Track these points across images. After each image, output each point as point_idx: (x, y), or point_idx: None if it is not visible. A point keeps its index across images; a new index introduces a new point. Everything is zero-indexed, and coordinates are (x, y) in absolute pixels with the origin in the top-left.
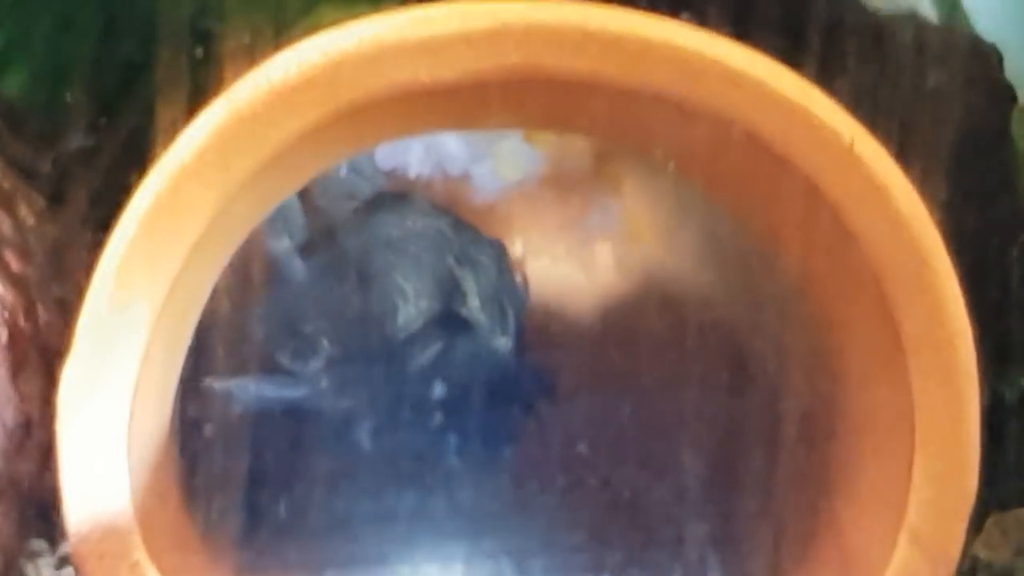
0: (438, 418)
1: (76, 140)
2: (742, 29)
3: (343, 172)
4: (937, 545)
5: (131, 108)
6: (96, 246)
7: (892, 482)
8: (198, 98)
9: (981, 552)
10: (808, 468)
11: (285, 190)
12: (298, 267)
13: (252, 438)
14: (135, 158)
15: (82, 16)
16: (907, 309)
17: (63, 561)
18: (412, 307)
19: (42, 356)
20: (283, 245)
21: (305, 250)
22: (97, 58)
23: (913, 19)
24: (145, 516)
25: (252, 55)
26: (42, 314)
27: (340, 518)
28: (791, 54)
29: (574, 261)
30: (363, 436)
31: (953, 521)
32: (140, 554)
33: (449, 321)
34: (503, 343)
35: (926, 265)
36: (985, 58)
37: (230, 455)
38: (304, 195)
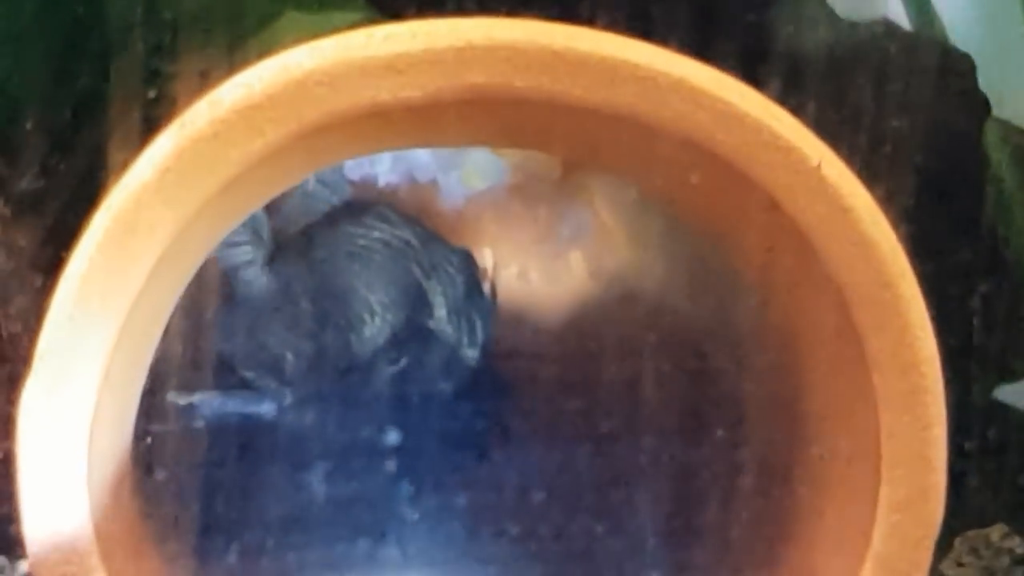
0: (399, 438)
1: (27, 181)
2: (707, 41)
3: (310, 183)
4: (903, 571)
5: (83, 149)
6: (45, 285)
7: (859, 508)
8: (150, 139)
9: (949, 571)
10: (775, 498)
11: (248, 208)
12: (263, 280)
13: (213, 454)
14: (86, 200)
15: (35, 56)
16: (873, 332)
17: None
18: (379, 320)
19: (5, 372)
20: (249, 258)
21: (271, 261)
22: (49, 98)
23: (884, 27)
24: (104, 535)
25: (204, 94)
26: (5, 327)
27: (299, 538)
28: (757, 63)
29: (544, 270)
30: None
31: (919, 547)
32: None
33: (415, 332)
34: (470, 354)
35: (892, 289)
36: (958, 67)
37: (190, 472)
38: (271, 206)
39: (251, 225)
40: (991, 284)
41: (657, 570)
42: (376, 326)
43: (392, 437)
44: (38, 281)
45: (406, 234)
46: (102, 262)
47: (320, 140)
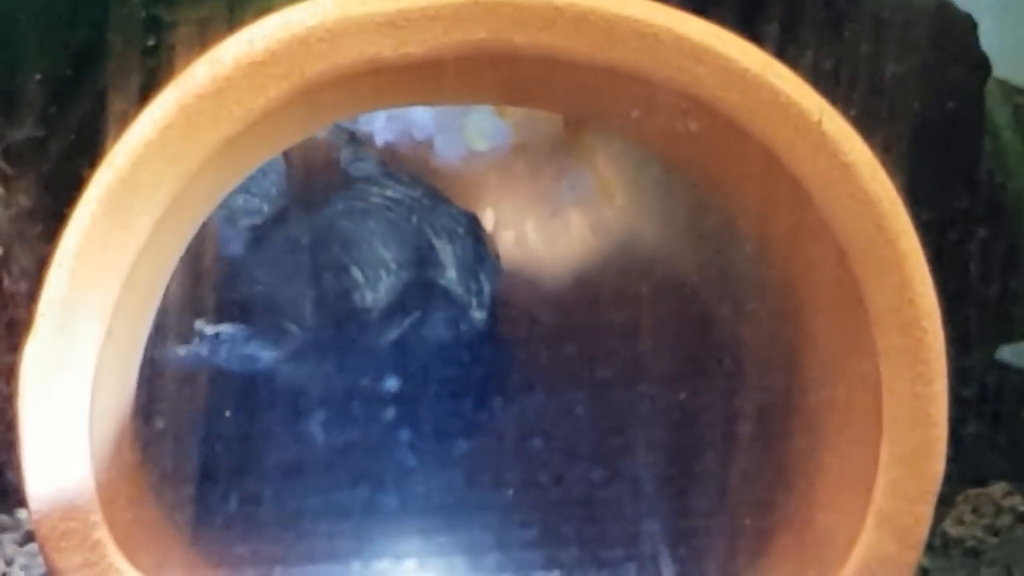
0: (405, 391)
1: (26, 130)
2: None
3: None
4: (904, 526)
5: (82, 97)
6: (45, 237)
7: (859, 463)
8: (150, 87)
9: (952, 530)
10: (774, 448)
11: (251, 164)
12: (271, 232)
13: (214, 403)
14: (86, 148)
15: (34, 4)
16: (873, 287)
17: (28, 536)
18: (392, 276)
19: (6, 327)
20: (253, 208)
21: (286, 215)
22: (49, 46)
23: None
24: (105, 487)
25: (204, 43)
26: (7, 285)
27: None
28: (753, 19)
29: (545, 229)
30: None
31: (920, 502)
32: (102, 532)
33: (426, 290)
34: (478, 316)
35: (893, 245)
36: (958, 26)
37: (191, 421)
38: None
39: (263, 177)
40: (989, 230)
41: (655, 517)
42: (390, 281)
43: (391, 384)
44: (39, 235)
45: (417, 194)
46: (104, 219)
47: (322, 97)
